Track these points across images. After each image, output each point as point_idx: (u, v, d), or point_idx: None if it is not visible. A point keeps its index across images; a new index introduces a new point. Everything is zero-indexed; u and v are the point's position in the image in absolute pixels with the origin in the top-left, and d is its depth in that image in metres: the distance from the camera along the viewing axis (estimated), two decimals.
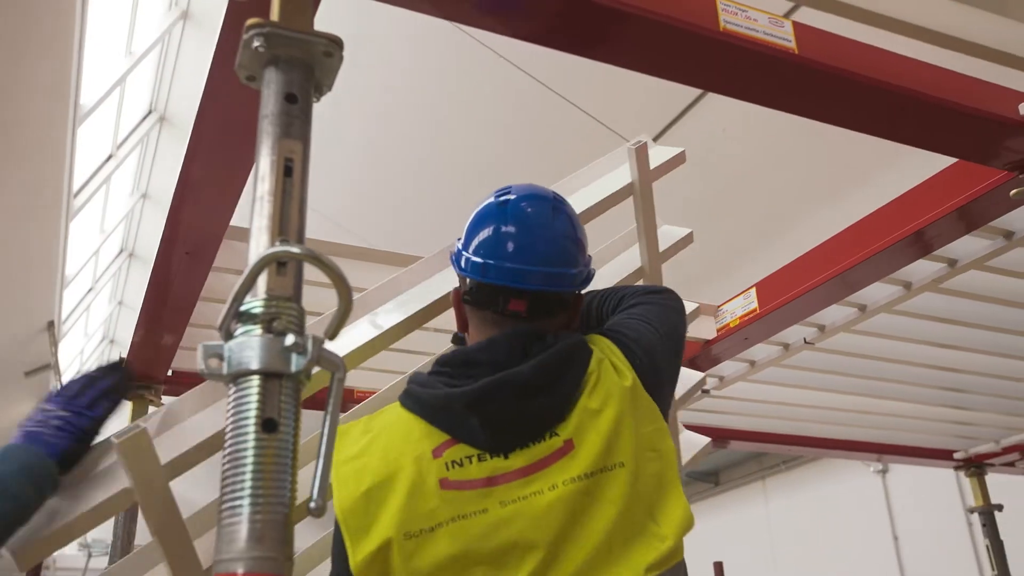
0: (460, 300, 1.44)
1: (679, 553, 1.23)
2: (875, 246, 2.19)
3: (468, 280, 1.42)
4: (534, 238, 1.38)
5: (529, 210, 1.41)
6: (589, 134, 4.40)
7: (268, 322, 0.91)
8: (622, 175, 1.88)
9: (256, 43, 1.04)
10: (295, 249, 0.89)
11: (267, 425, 0.87)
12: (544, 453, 1.25)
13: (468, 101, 4.61)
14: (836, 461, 7.77)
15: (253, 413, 0.87)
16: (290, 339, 0.89)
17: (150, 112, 5.92)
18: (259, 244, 0.96)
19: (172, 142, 6.15)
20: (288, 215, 0.98)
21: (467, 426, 1.27)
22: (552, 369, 1.28)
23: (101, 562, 13.65)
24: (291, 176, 1.00)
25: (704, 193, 4.11)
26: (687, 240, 2.06)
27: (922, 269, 2.41)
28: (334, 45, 1.07)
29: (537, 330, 1.35)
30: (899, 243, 2.15)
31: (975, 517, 6.05)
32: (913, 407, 3.88)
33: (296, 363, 0.90)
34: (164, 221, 1.91)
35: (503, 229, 1.39)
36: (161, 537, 1.40)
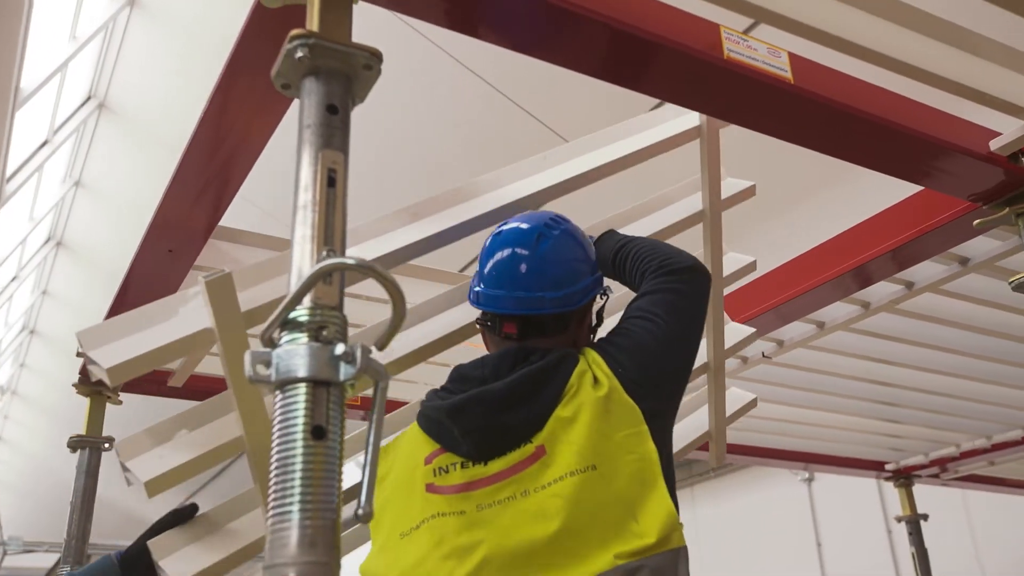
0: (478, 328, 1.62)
1: (667, 543, 1.27)
2: (840, 268, 2.28)
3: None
4: (512, 266, 1.52)
5: (511, 239, 1.55)
6: (537, 135, 4.45)
7: (316, 330, 0.93)
8: (691, 119, 2.05)
9: (300, 53, 1.05)
10: (350, 261, 0.91)
11: (316, 432, 0.89)
12: (517, 459, 1.35)
13: (416, 99, 4.61)
14: (764, 469, 7.97)
15: (302, 420, 0.88)
16: (340, 348, 0.91)
17: (89, 98, 5.78)
18: (303, 253, 0.98)
19: (110, 129, 6.01)
20: (333, 226, 0.99)
21: (451, 436, 1.41)
22: (526, 385, 1.39)
23: (16, 561, 13.22)
24: (334, 187, 1.02)
25: None
26: (749, 192, 2.21)
27: (881, 290, 2.53)
28: (375, 59, 1.09)
29: (527, 348, 1.46)
30: (863, 265, 2.25)
31: (894, 525, 6.28)
32: (851, 420, 4.02)
33: (344, 372, 0.91)
34: (150, 219, 1.89)
35: (490, 259, 1.56)
36: (235, 383, 1.44)
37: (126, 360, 1.44)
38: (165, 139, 5.76)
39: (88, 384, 2.79)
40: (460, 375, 1.49)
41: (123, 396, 2.89)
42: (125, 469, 1.54)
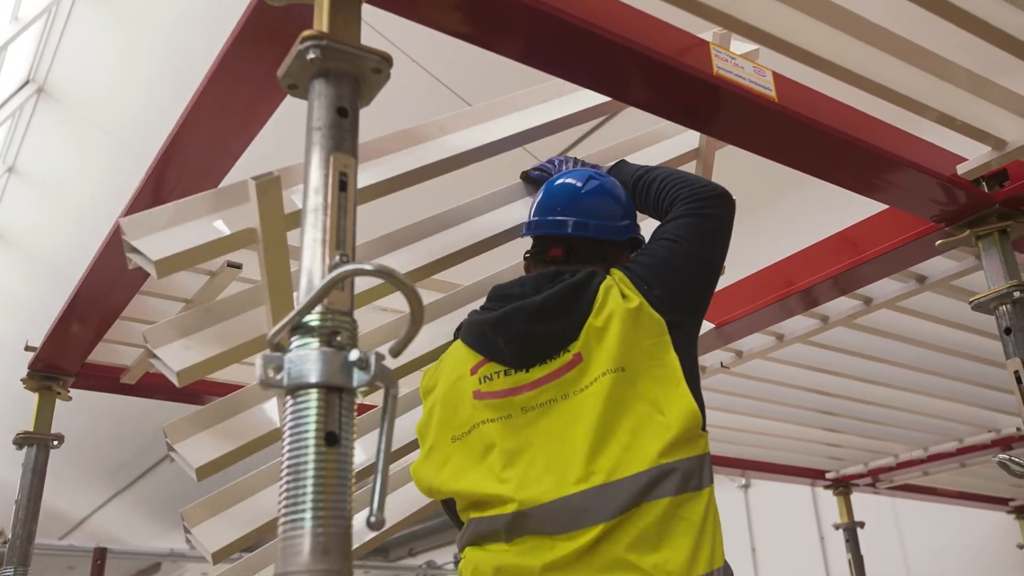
0: (526, 261, 1.77)
1: (693, 445, 1.44)
2: (803, 283, 2.34)
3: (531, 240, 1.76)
4: (564, 194, 1.72)
5: (564, 182, 1.76)
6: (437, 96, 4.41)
7: (328, 336, 0.92)
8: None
9: (312, 54, 1.04)
10: (367, 267, 0.90)
11: (329, 438, 0.88)
12: (558, 366, 1.51)
13: None
14: None
15: (315, 426, 0.87)
16: (355, 354, 0.90)
17: (28, 82, 5.62)
18: (313, 257, 0.97)
19: (49, 115, 5.84)
20: (345, 230, 0.99)
21: (495, 346, 1.55)
22: (562, 297, 1.53)
23: None
24: (346, 191, 1.01)
25: None
26: None
27: (839, 305, 2.59)
28: (384, 62, 1.08)
29: (561, 269, 1.61)
30: (825, 282, 2.31)
31: (828, 532, 6.40)
32: (795, 429, 4.11)
33: (358, 378, 0.91)
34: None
35: (543, 196, 1.76)
36: (271, 278, 1.48)
37: (174, 254, 1.48)
38: (106, 127, 5.62)
39: (37, 379, 2.71)
40: (499, 294, 1.63)
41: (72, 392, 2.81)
42: (153, 355, 1.61)
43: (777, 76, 1.63)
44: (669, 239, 1.60)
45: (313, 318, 0.92)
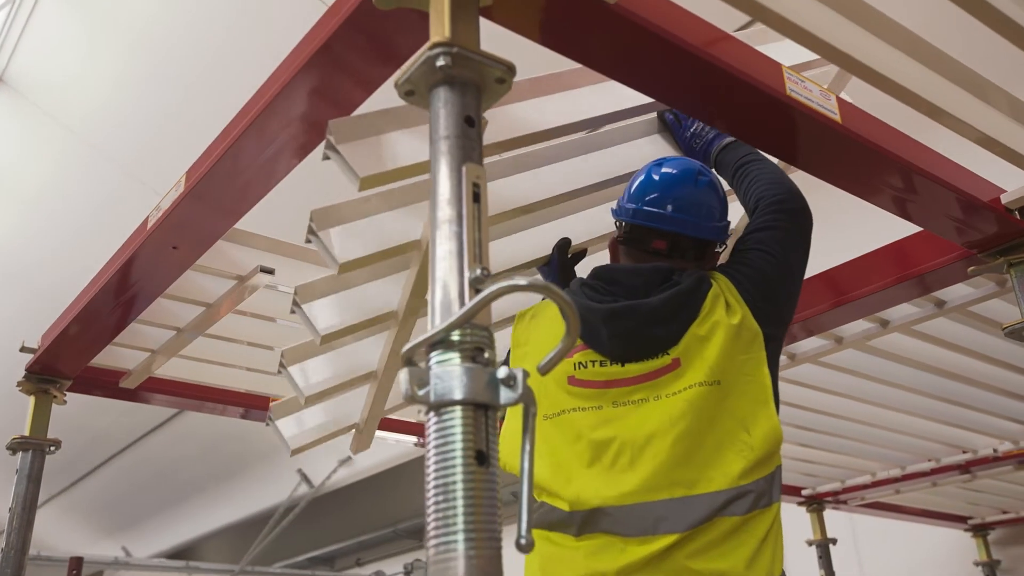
0: (615, 243, 1.79)
1: (769, 464, 1.47)
2: (836, 300, 2.35)
3: (622, 224, 1.75)
4: (676, 189, 1.72)
5: (675, 172, 1.74)
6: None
7: (472, 351, 0.90)
8: None
9: (441, 61, 1.02)
10: (522, 282, 0.88)
11: (480, 457, 0.86)
12: (655, 367, 1.53)
13: None
14: None
15: (465, 445, 0.85)
16: (503, 372, 0.88)
17: None
18: (449, 269, 0.94)
19: (6, 106, 5.65)
20: (481, 243, 0.96)
21: (598, 336, 1.56)
22: (675, 304, 1.55)
23: None
24: (479, 202, 0.99)
25: None
26: None
27: (854, 327, 2.62)
28: (509, 73, 1.06)
29: (671, 268, 1.63)
30: (845, 306, 2.33)
31: (790, 548, 6.47)
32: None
33: (505, 396, 0.88)
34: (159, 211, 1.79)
35: (649, 182, 1.74)
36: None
37: (378, 173, 1.46)
38: (64, 120, 5.47)
39: (34, 382, 2.61)
40: (612, 278, 1.64)
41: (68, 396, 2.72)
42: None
43: (840, 101, 1.65)
44: (763, 250, 1.65)
45: (458, 333, 0.90)
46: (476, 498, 0.83)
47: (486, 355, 0.90)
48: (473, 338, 0.90)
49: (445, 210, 0.97)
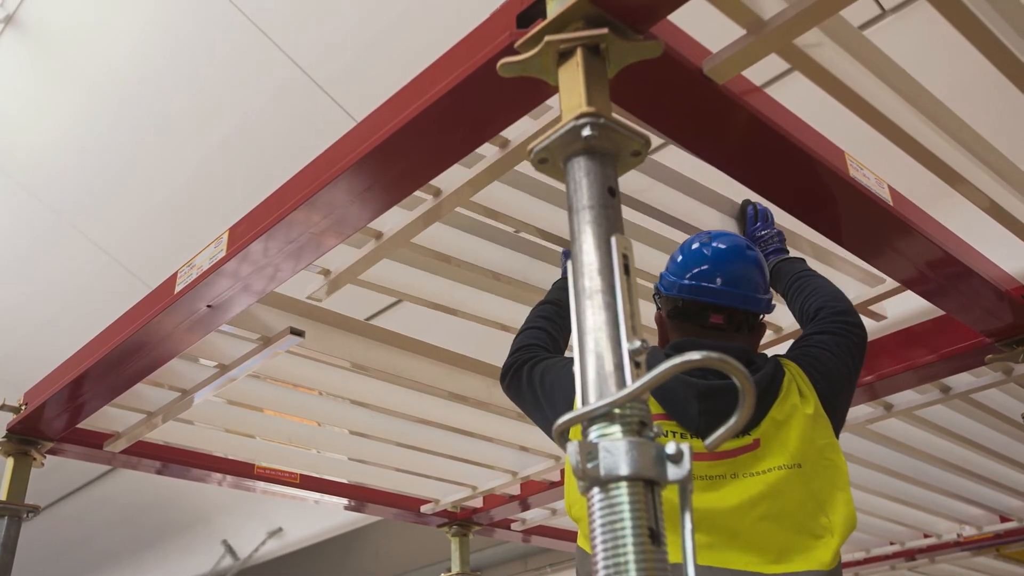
0: (663, 319, 1.80)
1: (839, 557, 1.49)
2: None
3: (675, 300, 1.75)
4: (731, 264, 1.74)
5: (725, 247, 1.77)
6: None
7: (636, 426, 0.88)
8: None
9: (588, 131, 1.02)
10: (697, 356, 0.86)
11: (653, 536, 0.83)
12: (735, 446, 1.54)
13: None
14: None
15: (636, 523, 0.82)
16: (671, 447, 0.86)
17: None
18: (600, 341, 0.93)
19: (16, 49, 5.25)
20: (636, 315, 0.95)
21: (687, 410, 1.57)
22: (762, 387, 1.58)
23: None
24: (629, 274, 0.98)
25: None
26: None
27: (856, 411, 2.64)
28: (645, 146, 1.07)
29: (747, 351, 1.68)
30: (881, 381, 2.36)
31: None
32: None
33: (673, 473, 0.86)
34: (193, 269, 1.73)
35: (700, 256, 1.76)
36: None
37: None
38: (76, 73, 5.18)
39: (14, 442, 2.45)
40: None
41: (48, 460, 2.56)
42: None
43: (892, 190, 1.71)
44: (829, 351, 1.69)
45: (624, 407, 0.88)
46: None
47: (650, 431, 0.88)
48: (634, 411, 0.89)
49: (595, 280, 0.96)
